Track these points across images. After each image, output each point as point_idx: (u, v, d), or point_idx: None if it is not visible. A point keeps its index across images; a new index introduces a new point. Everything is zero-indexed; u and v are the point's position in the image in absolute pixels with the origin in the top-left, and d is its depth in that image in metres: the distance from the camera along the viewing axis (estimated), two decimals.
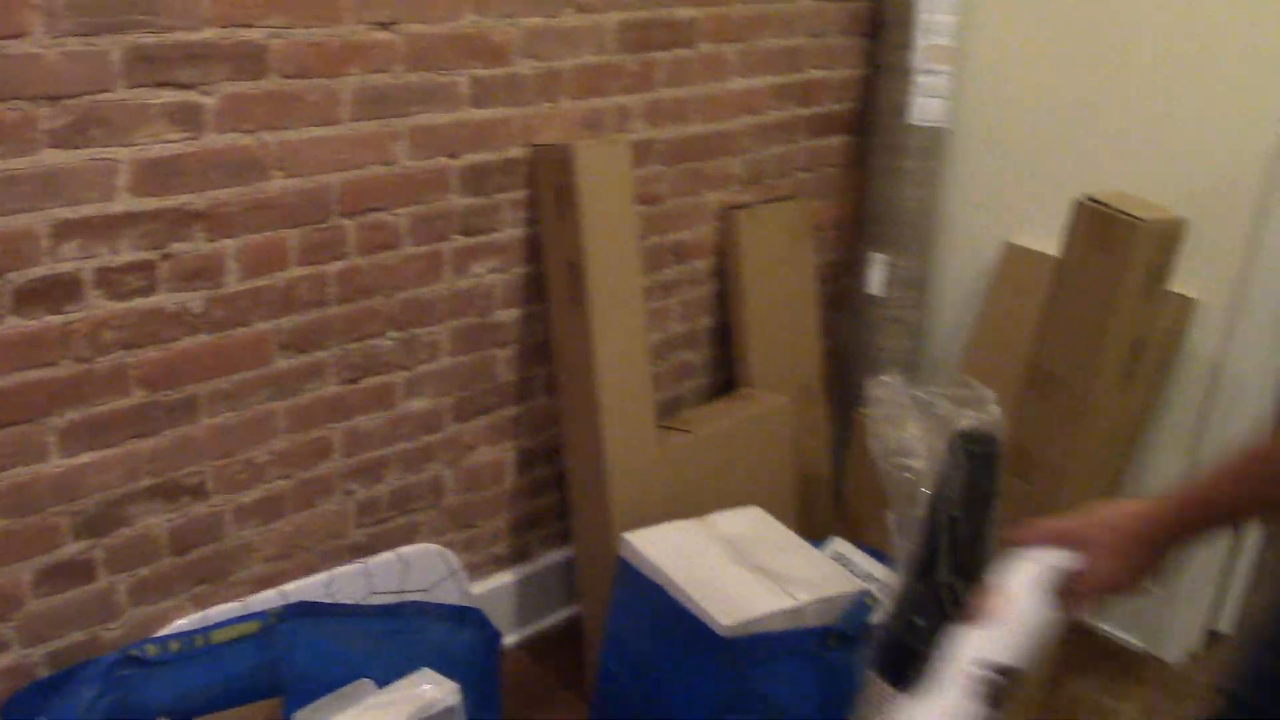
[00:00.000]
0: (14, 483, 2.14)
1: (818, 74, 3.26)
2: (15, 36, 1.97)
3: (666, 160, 2.96)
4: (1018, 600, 1.46)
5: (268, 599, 2.47)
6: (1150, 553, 1.45)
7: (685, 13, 2.85)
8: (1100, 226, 2.58)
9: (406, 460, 2.73)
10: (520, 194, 2.70)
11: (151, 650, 2.27)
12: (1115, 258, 2.54)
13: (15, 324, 2.07)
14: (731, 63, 3.01)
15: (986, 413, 2.20)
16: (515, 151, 2.66)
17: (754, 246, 3.17)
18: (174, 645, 2.30)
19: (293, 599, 2.47)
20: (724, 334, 3.30)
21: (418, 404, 2.69)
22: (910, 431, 2.22)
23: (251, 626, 2.36)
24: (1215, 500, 1.44)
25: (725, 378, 3.34)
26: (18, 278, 2.05)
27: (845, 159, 3.45)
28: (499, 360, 2.82)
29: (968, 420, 2.17)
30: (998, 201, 3.37)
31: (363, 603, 2.59)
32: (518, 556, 3.09)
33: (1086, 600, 1.47)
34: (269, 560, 2.54)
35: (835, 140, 3.41)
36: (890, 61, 3.27)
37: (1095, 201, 2.61)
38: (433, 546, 2.72)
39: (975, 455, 2.07)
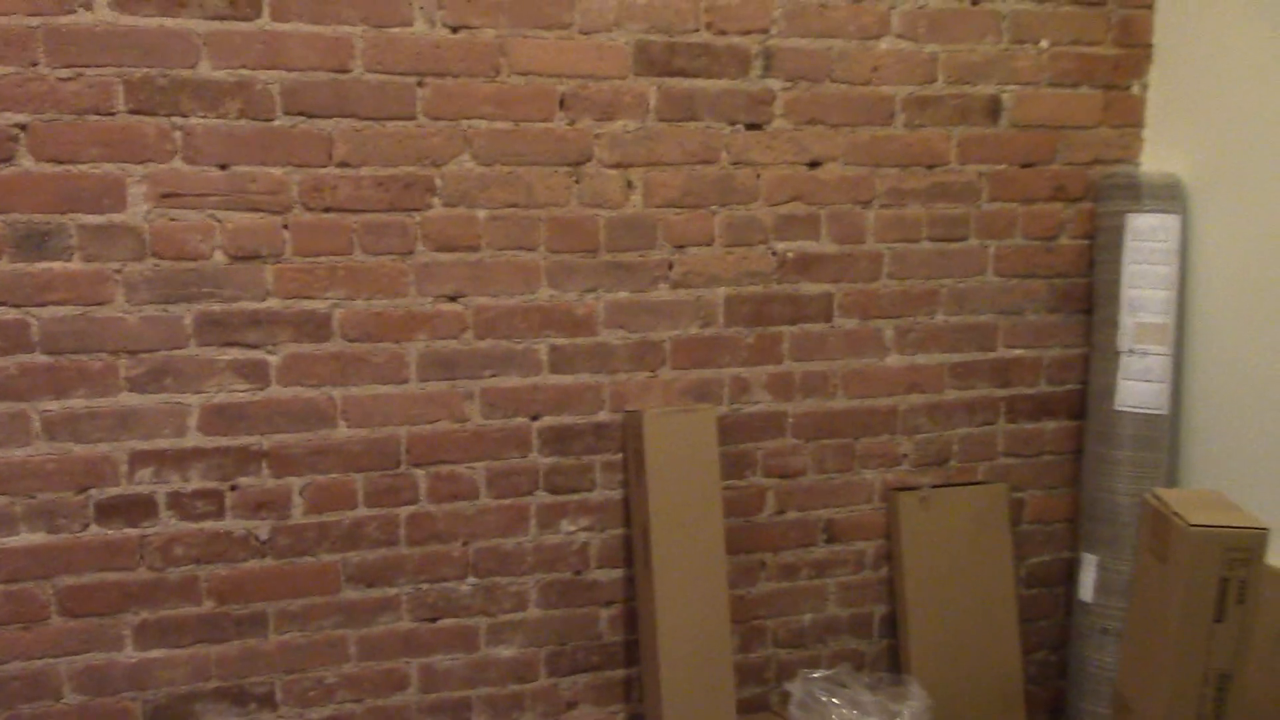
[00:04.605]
0: (91, 665, 2.49)
1: (1018, 352, 3.02)
2: (100, 304, 2.37)
3: (804, 434, 2.90)
4: None
5: None
6: None
7: (813, 289, 2.83)
8: (1157, 530, 2.21)
9: (493, 705, 2.79)
10: (615, 457, 2.76)
11: None
12: (1170, 570, 2.16)
13: (97, 532, 2.45)
14: (885, 339, 2.92)
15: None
16: (605, 416, 2.73)
17: (922, 532, 2.97)
18: None
19: None
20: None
21: (504, 651, 2.77)
22: None
23: None
24: None
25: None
26: (99, 494, 2.44)
27: (1067, 446, 3.13)
28: (602, 619, 2.81)
29: None
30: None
31: None
32: None
33: None
34: None
35: (1051, 425, 3.10)
36: (1099, 340, 2.97)
37: (1158, 498, 2.26)
38: None
39: None
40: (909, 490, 2.97)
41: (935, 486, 2.99)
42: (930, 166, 2.84)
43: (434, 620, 2.67)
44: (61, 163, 2.30)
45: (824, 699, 2.16)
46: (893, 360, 2.92)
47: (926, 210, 2.86)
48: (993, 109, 2.86)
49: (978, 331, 2.96)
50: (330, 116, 2.42)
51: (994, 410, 3.02)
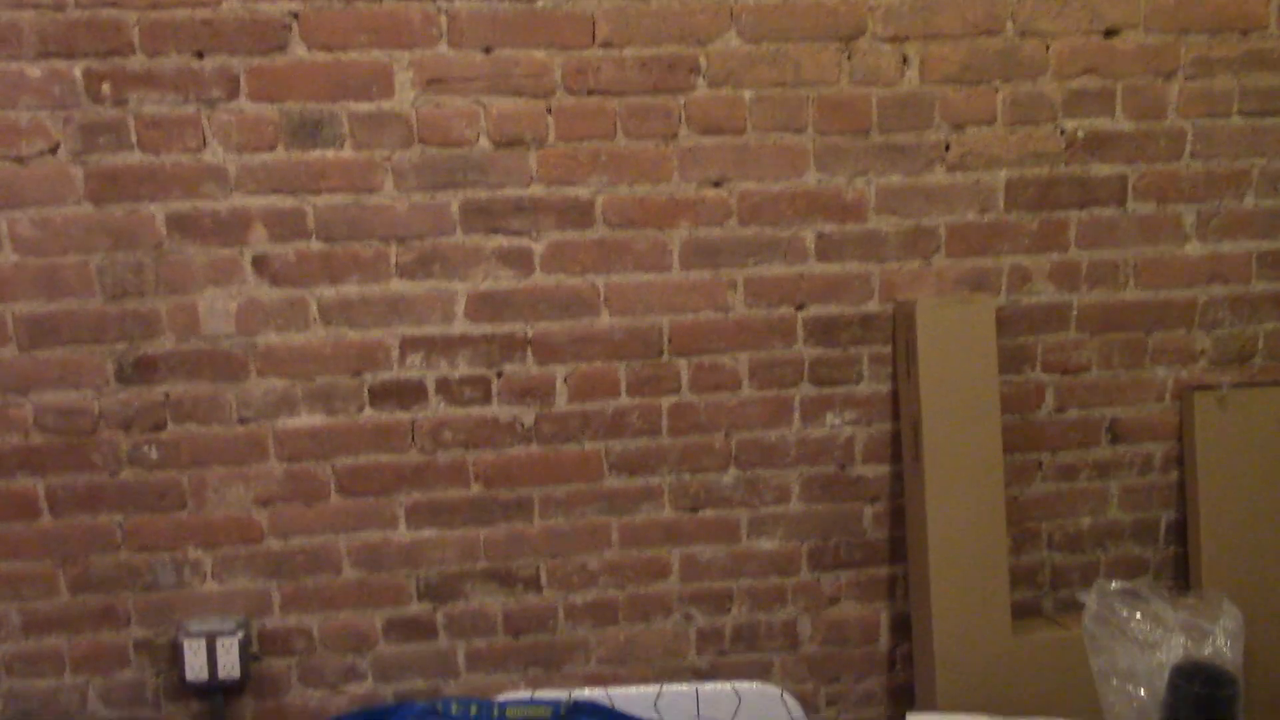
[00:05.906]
0: (367, 542, 2.58)
1: None
2: (371, 191, 2.39)
3: (1089, 328, 2.70)
4: None
5: (595, 696, 2.61)
6: None
7: (1105, 170, 2.62)
8: None
9: (754, 597, 2.76)
10: (884, 349, 2.65)
11: (454, 709, 2.45)
12: None
13: (371, 415, 2.52)
14: (1186, 225, 2.68)
15: (1220, 640, 1.81)
16: (874, 306, 2.61)
17: (1220, 434, 2.75)
18: (473, 709, 2.47)
19: (617, 701, 2.59)
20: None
21: (765, 544, 2.74)
22: (1131, 653, 1.87)
23: (542, 711, 2.49)
24: None
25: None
26: (372, 378, 2.50)
27: None
28: (866, 515, 2.72)
29: (1192, 649, 1.79)
30: None
31: None
32: None
33: None
34: (602, 661, 2.69)
35: None
36: None
37: None
38: (774, 689, 2.57)
39: (1200, 698, 1.63)
40: (1206, 389, 2.72)
41: (1236, 386, 2.73)
42: (1244, 32, 2.55)
43: (695, 511, 2.65)
44: (332, 50, 2.32)
45: (1124, 613, 1.99)
46: (1192, 248, 2.66)
47: (1238, 81, 2.57)
48: None
49: None
50: None
51: None
